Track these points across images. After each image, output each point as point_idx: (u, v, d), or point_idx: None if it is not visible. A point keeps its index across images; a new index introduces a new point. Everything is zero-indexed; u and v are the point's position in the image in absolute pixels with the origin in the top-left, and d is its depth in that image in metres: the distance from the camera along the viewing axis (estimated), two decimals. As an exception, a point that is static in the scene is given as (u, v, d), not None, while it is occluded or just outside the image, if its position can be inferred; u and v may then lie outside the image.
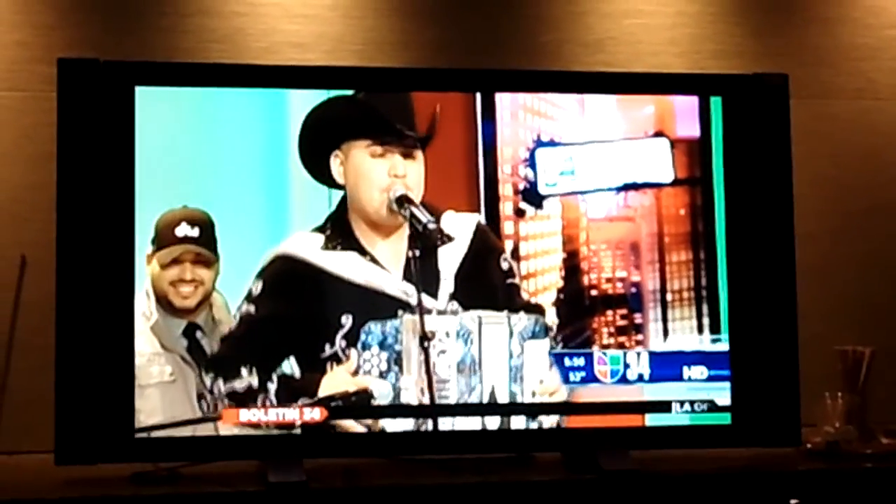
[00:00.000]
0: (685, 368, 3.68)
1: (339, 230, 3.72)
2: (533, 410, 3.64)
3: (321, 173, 3.70)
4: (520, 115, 3.88)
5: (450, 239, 3.81)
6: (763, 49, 4.31)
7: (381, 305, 3.70)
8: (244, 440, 3.45)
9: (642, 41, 4.25)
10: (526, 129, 3.87)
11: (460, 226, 3.83)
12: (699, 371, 3.68)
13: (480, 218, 3.80)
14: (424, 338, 3.67)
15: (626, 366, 3.66)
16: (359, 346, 3.63)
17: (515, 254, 3.83)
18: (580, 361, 3.67)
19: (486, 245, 3.85)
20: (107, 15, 3.94)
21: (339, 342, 3.63)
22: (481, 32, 4.12)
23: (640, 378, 3.66)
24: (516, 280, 3.83)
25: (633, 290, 3.82)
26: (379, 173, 3.70)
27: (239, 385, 3.57)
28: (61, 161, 3.42)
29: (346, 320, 3.65)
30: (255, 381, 3.57)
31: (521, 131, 3.86)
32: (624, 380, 3.65)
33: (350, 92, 3.64)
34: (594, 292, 3.82)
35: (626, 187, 3.85)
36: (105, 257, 3.41)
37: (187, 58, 3.92)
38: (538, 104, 3.92)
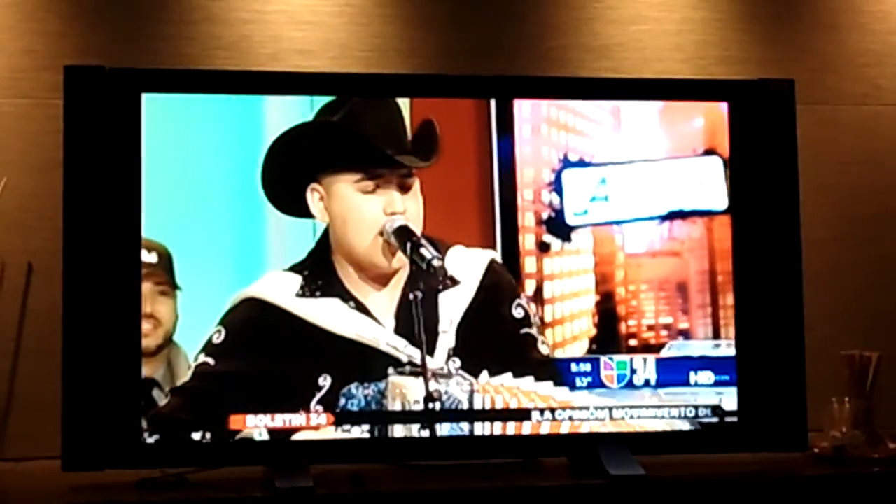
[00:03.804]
0: (692, 374, 3.66)
1: (319, 271, 3.42)
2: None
3: (293, 208, 3.42)
4: (543, 130, 3.52)
5: (453, 282, 3.45)
6: (769, 55, 4.30)
7: (367, 363, 3.43)
8: (251, 446, 3.45)
9: (648, 47, 4.24)
10: (550, 146, 3.51)
11: (469, 265, 3.45)
12: (706, 376, 3.66)
13: (495, 255, 3.48)
14: (430, 398, 3.41)
15: (633, 371, 3.64)
16: (337, 413, 3.43)
17: (539, 296, 3.50)
18: (586, 367, 3.60)
19: (497, 288, 3.47)
20: (113, 22, 3.94)
21: (315, 408, 3.42)
22: (487, 39, 4.11)
23: (647, 383, 3.64)
24: (532, 330, 3.48)
25: (681, 339, 3.62)
26: (372, 212, 3.40)
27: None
28: (68, 168, 3.43)
29: (324, 381, 3.40)
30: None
31: (544, 149, 3.51)
32: (630, 385, 3.63)
33: (360, 97, 3.53)
34: (634, 342, 3.59)
35: (672, 216, 3.57)
36: (111, 265, 3.41)
37: (193, 65, 3.92)
38: (564, 116, 3.55)
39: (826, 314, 4.08)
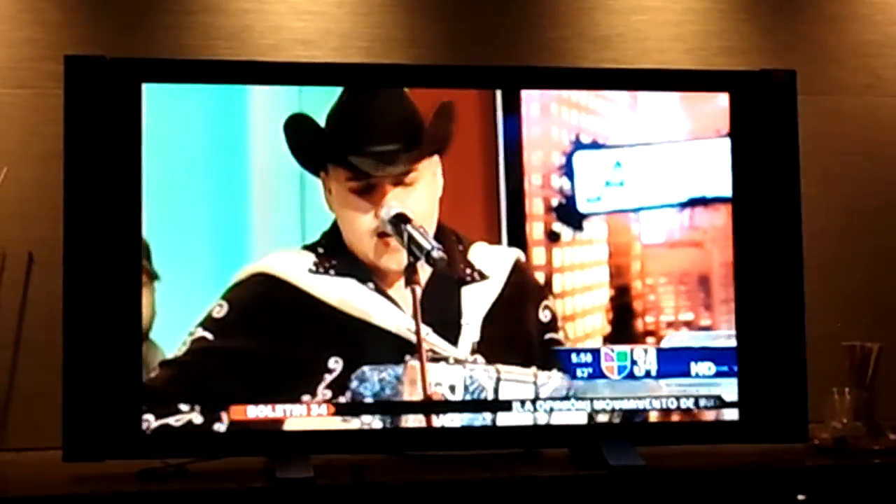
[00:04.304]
0: (692, 364, 3.65)
1: (336, 250, 3.32)
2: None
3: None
4: (553, 110, 3.35)
5: (481, 276, 3.34)
6: (770, 45, 4.29)
7: (383, 347, 3.34)
8: (251, 436, 3.44)
9: (649, 37, 4.24)
10: (561, 126, 3.34)
11: (494, 262, 3.33)
12: (706, 367, 3.66)
13: (520, 254, 3.38)
14: (428, 399, 3.34)
15: (634, 362, 3.63)
16: (348, 396, 3.37)
17: (548, 290, 3.39)
18: (587, 357, 3.58)
19: (524, 287, 3.36)
20: (114, 12, 3.93)
21: (323, 393, 3.35)
22: (488, 28, 4.11)
23: (648, 374, 3.63)
24: (558, 335, 3.38)
25: (703, 336, 3.56)
26: (363, 213, 3.32)
27: (175, 421, 3.33)
28: (68, 158, 3.43)
29: (335, 364, 3.33)
30: (197, 419, 3.33)
31: (554, 130, 3.34)
32: (631, 376, 3.63)
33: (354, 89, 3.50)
34: (651, 339, 3.52)
35: (693, 203, 3.46)
36: (112, 255, 3.41)
37: (194, 55, 3.91)
38: (576, 95, 3.38)
39: (827, 305, 4.08)
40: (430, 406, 3.50)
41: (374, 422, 3.48)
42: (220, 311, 3.32)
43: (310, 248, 3.37)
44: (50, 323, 3.52)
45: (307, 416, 3.46)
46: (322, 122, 3.41)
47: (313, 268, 3.33)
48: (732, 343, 3.66)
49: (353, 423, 3.47)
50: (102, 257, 3.40)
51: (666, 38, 4.25)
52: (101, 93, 3.43)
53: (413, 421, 3.51)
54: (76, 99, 3.43)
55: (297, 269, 3.32)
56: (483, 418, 3.54)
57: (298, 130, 3.36)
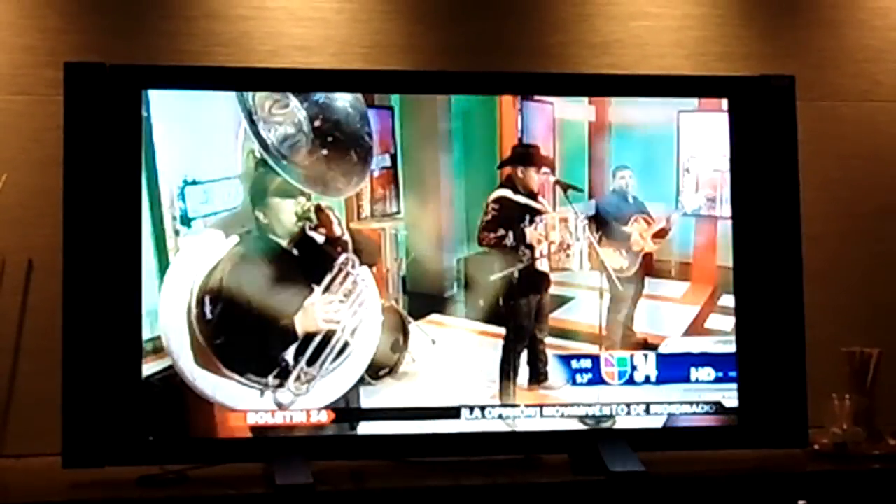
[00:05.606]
0: (692, 370, 3.66)
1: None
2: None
3: None
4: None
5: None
6: (769, 51, 4.30)
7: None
8: (251, 443, 3.45)
9: (649, 43, 4.24)
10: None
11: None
12: (706, 373, 3.66)
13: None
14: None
15: (634, 367, 3.63)
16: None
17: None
18: (587, 363, 3.61)
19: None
20: (113, 19, 3.94)
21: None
22: (487, 35, 4.11)
23: (648, 380, 3.64)
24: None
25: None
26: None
27: None
28: (68, 165, 3.43)
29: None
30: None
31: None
32: (631, 381, 3.63)
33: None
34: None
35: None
36: (111, 261, 3.41)
37: (193, 61, 3.91)
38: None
39: (827, 311, 4.07)
40: (429, 412, 3.51)
41: (373, 428, 3.50)
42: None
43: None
44: (49, 329, 3.52)
45: (307, 422, 3.46)
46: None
47: None
48: (732, 349, 3.66)
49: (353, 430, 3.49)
50: (102, 264, 3.40)
51: (665, 44, 4.25)
52: (100, 99, 3.44)
53: (413, 427, 3.51)
54: (76, 105, 3.43)
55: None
56: (482, 425, 3.55)
57: None
